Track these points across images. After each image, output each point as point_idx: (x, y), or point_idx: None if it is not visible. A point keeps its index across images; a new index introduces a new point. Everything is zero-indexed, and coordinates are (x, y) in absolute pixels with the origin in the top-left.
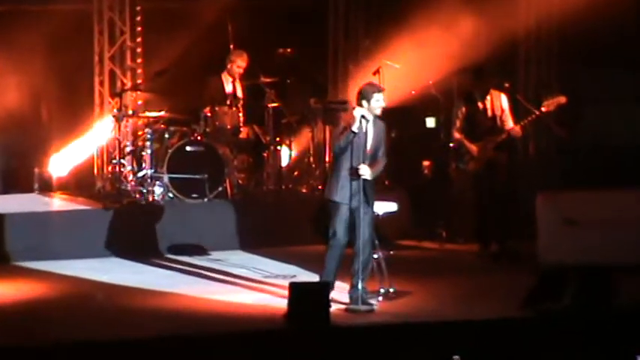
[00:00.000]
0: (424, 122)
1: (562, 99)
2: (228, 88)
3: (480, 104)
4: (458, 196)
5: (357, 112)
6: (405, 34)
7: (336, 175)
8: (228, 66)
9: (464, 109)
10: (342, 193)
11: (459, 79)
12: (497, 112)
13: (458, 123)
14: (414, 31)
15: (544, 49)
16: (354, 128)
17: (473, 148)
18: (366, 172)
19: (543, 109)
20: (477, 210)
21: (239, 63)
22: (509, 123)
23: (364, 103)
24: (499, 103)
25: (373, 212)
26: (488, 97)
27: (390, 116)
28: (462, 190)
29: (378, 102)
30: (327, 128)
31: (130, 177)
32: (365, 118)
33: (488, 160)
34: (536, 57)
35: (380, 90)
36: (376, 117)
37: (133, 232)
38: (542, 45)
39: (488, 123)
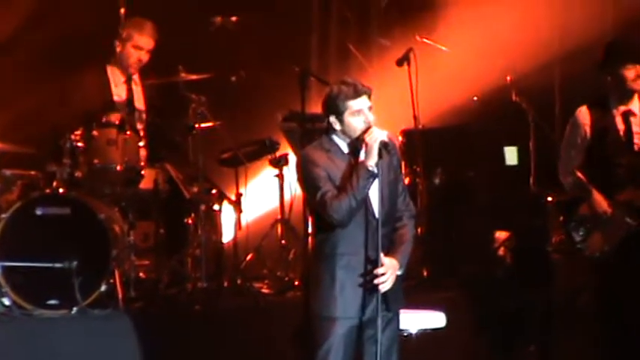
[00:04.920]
0: (498, 155)
1: None
2: (119, 93)
3: (619, 124)
4: (564, 303)
5: (375, 135)
6: None
7: (328, 265)
8: (119, 49)
9: (587, 128)
10: (344, 299)
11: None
12: None
13: (573, 153)
14: None
15: None
16: (372, 164)
17: (602, 204)
18: (389, 272)
19: None
20: (602, 332)
21: (139, 42)
22: None
23: (350, 119)
24: None
25: (399, 330)
26: (637, 111)
27: (432, 143)
28: (572, 292)
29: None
30: None
31: None
32: (387, 147)
33: (628, 235)
34: None
35: (366, 92)
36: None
37: None
38: None
39: (633, 161)
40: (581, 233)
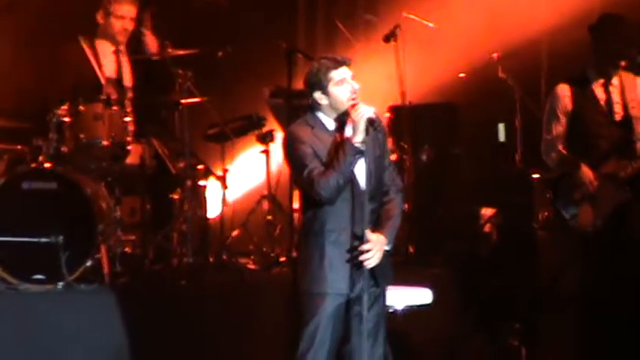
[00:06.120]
0: (485, 132)
1: None
2: (108, 68)
3: (599, 94)
4: (551, 280)
5: (362, 111)
6: None
7: (317, 242)
8: (102, 21)
9: (568, 101)
10: (333, 275)
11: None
12: (635, 112)
13: (556, 129)
14: None
15: None
16: (358, 141)
17: (589, 176)
18: (376, 248)
19: None
20: (587, 310)
21: (120, 11)
22: None
23: (336, 91)
24: (636, 95)
25: (386, 306)
26: (615, 83)
27: (419, 119)
28: (558, 268)
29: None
30: None
31: None
32: (373, 124)
33: (615, 207)
34: None
35: (345, 62)
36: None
37: None
38: None
39: (614, 132)
40: (570, 209)
